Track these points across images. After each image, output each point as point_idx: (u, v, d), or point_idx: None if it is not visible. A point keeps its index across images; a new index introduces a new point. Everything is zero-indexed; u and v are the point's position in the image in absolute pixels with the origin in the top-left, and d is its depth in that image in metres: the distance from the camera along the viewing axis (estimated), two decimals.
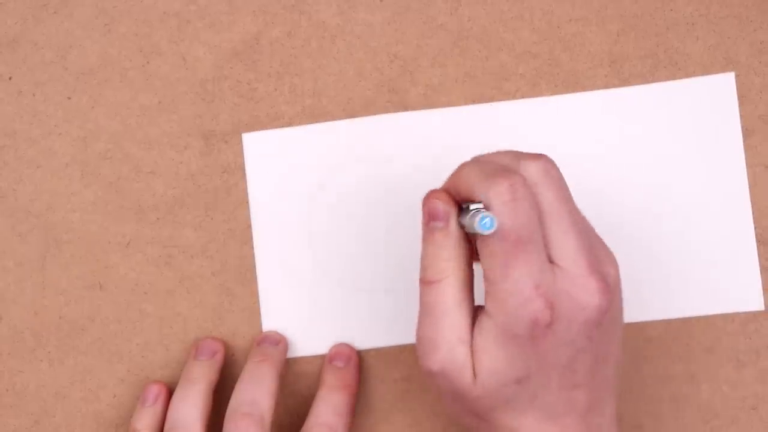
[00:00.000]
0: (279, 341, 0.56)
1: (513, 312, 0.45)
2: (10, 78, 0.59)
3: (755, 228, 0.57)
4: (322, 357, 0.57)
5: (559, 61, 0.58)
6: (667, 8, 0.58)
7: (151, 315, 0.58)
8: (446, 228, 0.47)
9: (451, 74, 0.58)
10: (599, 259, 0.47)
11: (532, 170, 0.46)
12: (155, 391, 0.56)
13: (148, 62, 0.59)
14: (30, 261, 0.59)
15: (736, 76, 0.57)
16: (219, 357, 0.56)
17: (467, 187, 0.46)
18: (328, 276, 0.58)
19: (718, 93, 0.57)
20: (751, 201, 0.57)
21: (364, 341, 0.57)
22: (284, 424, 0.58)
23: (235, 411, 0.52)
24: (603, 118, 0.57)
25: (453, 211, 0.47)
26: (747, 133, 0.57)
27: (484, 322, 0.46)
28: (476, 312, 0.48)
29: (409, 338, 0.57)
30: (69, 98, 0.59)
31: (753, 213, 0.57)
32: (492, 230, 0.44)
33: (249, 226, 0.58)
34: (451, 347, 0.47)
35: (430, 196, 0.48)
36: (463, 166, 0.48)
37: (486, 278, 0.46)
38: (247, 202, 0.58)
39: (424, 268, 0.48)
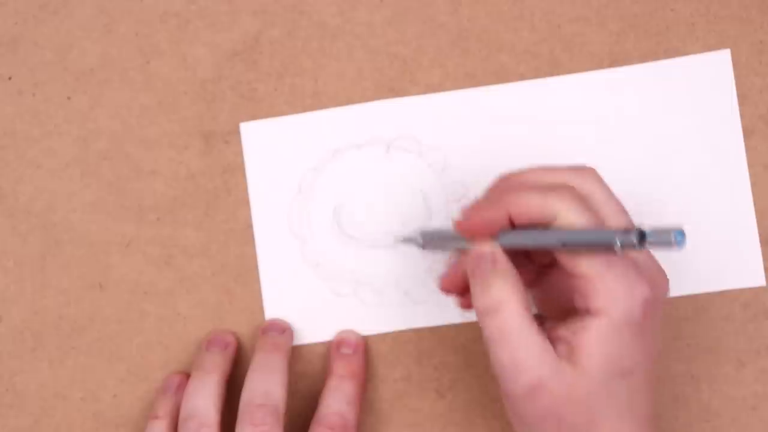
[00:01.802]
0: (285, 329, 0.57)
1: (627, 298, 0.46)
2: (10, 78, 0.59)
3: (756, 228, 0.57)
4: (326, 345, 0.57)
5: (559, 61, 0.58)
6: (667, 8, 0.58)
7: (151, 315, 0.58)
8: (495, 266, 0.48)
9: (451, 74, 0.58)
10: None
11: (578, 179, 0.48)
12: (177, 381, 0.57)
13: (148, 62, 0.59)
14: (30, 261, 0.59)
15: (736, 77, 0.57)
16: (231, 349, 0.57)
17: (535, 214, 0.47)
18: (328, 269, 0.58)
19: (714, 72, 0.57)
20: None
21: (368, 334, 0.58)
22: (293, 412, 0.57)
23: (250, 402, 0.53)
24: (602, 100, 0.57)
25: (498, 251, 0.48)
26: (747, 133, 0.57)
27: (590, 322, 0.46)
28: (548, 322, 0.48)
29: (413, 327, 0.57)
30: (69, 98, 0.59)
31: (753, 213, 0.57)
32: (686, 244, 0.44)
33: (249, 226, 0.58)
34: (540, 360, 0.47)
35: (476, 240, 0.49)
36: (509, 196, 0.48)
37: (587, 278, 0.46)
38: (248, 202, 0.58)
39: (478, 298, 0.48)
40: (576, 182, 0.48)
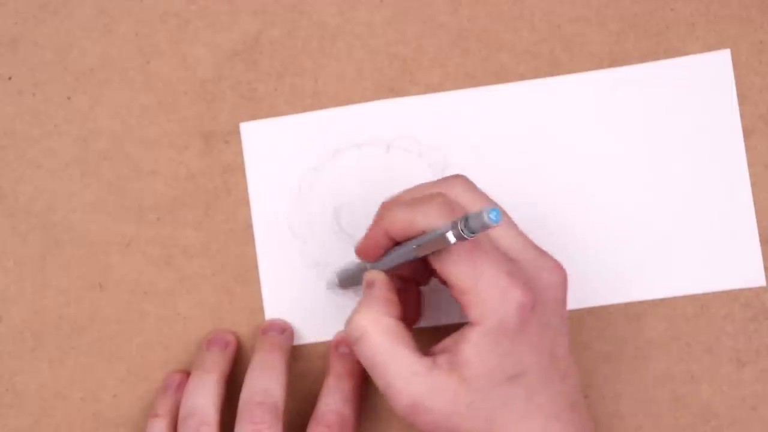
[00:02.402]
0: (285, 329, 0.57)
1: (499, 306, 0.46)
2: (10, 78, 0.59)
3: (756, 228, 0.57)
4: (326, 345, 0.57)
5: (559, 61, 0.58)
6: (667, 8, 0.58)
7: (151, 315, 0.58)
8: (371, 291, 0.50)
9: (451, 74, 0.58)
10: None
11: (446, 188, 0.49)
12: (177, 380, 0.57)
13: (148, 62, 0.59)
14: (30, 261, 0.59)
15: (736, 77, 0.57)
16: (231, 348, 0.57)
17: (405, 227, 0.48)
18: (328, 269, 0.58)
19: (714, 72, 0.57)
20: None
21: None
22: (292, 411, 0.57)
23: (250, 399, 0.53)
24: (602, 100, 0.57)
25: (378, 278, 0.50)
26: (747, 133, 0.57)
27: (468, 333, 0.47)
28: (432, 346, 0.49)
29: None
30: (69, 98, 0.59)
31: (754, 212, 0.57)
32: (501, 220, 0.43)
33: (249, 226, 0.58)
34: (410, 381, 0.48)
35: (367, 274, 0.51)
36: (384, 216, 0.50)
37: (459, 291, 0.47)
38: (248, 202, 0.58)
39: (346, 328, 0.50)
40: (444, 190, 0.49)
